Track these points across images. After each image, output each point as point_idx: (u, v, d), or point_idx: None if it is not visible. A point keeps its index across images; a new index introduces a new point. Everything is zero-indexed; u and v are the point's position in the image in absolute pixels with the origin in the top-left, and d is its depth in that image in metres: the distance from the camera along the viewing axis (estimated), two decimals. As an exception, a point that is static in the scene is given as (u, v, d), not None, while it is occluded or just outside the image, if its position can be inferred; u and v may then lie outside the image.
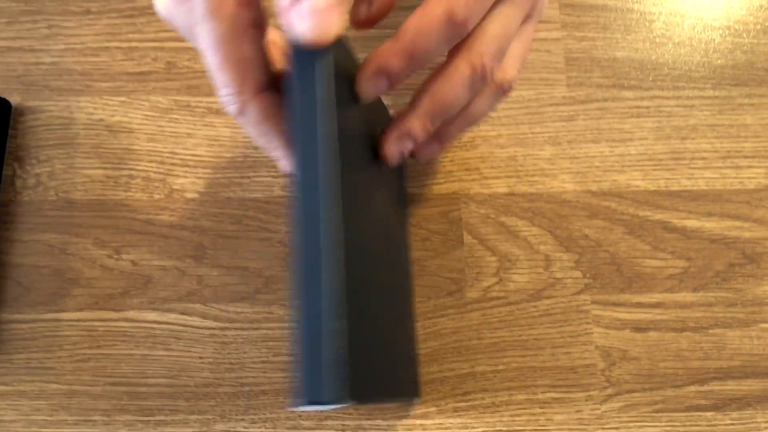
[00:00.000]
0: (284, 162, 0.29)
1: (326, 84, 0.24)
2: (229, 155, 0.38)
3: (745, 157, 0.39)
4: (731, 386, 0.35)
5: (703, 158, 0.39)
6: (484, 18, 0.27)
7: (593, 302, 0.36)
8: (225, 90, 0.27)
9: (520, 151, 0.38)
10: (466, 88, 0.28)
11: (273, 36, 0.29)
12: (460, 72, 0.27)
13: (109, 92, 0.39)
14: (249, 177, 0.38)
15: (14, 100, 0.39)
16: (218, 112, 0.39)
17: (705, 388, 0.35)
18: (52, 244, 0.37)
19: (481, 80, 0.28)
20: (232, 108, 0.27)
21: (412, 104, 0.29)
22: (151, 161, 0.38)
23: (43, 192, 0.38)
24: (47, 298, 0.36)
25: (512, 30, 0.28)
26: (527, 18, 0.29)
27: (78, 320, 0.36)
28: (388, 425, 0.35)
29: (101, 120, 0.39)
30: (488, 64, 0.27)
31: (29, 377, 0.35)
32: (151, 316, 0.36)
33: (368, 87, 0.27)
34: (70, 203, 0.38)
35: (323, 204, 0.23)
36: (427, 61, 0.27)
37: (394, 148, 0.30)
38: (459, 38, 0.26)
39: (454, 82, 0.28)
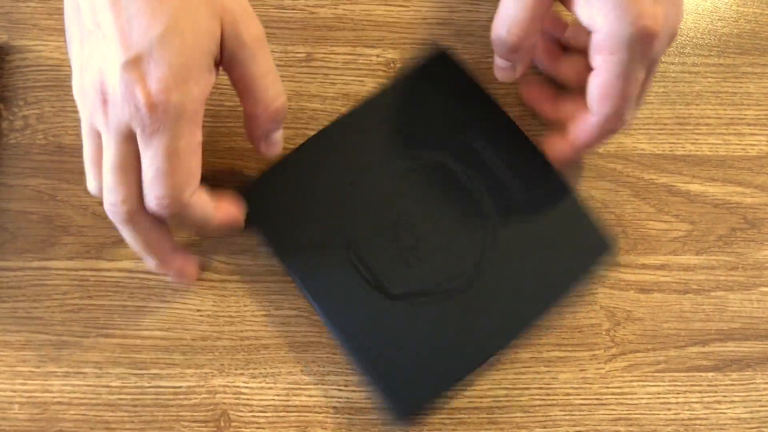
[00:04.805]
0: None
1: None
2: (230, 104, 0.37)
3: (748, 124, 0.39)
4: (732, 347, 0.36)
5: (707, 124, 0.39)
6: None
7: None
8: (165, 192, 0.28)
9: (528, 111, 0.38)
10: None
11: None
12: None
13: (104, 34, 0.37)
14: (250, 127, 0.37)
15: (0, 38, 0.37)
16: (219, 59, 0.38)
17: (706, 349, 0.36)
18: (40, 190, 0.35)
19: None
20: (168, 210, 0.28)
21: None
22: (147, 107, 0.36)
23: (31, 135, 0.36)
24: (35, 245, 0.34)
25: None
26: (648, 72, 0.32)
27: (68, 269, 0.34)
28: (392, 381, 0.34)
29: (95, 62, 0.37)
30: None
31: (15, 327, 0.33)
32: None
33: None
34: (61, 148, 0.36)
35: None
36: None
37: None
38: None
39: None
